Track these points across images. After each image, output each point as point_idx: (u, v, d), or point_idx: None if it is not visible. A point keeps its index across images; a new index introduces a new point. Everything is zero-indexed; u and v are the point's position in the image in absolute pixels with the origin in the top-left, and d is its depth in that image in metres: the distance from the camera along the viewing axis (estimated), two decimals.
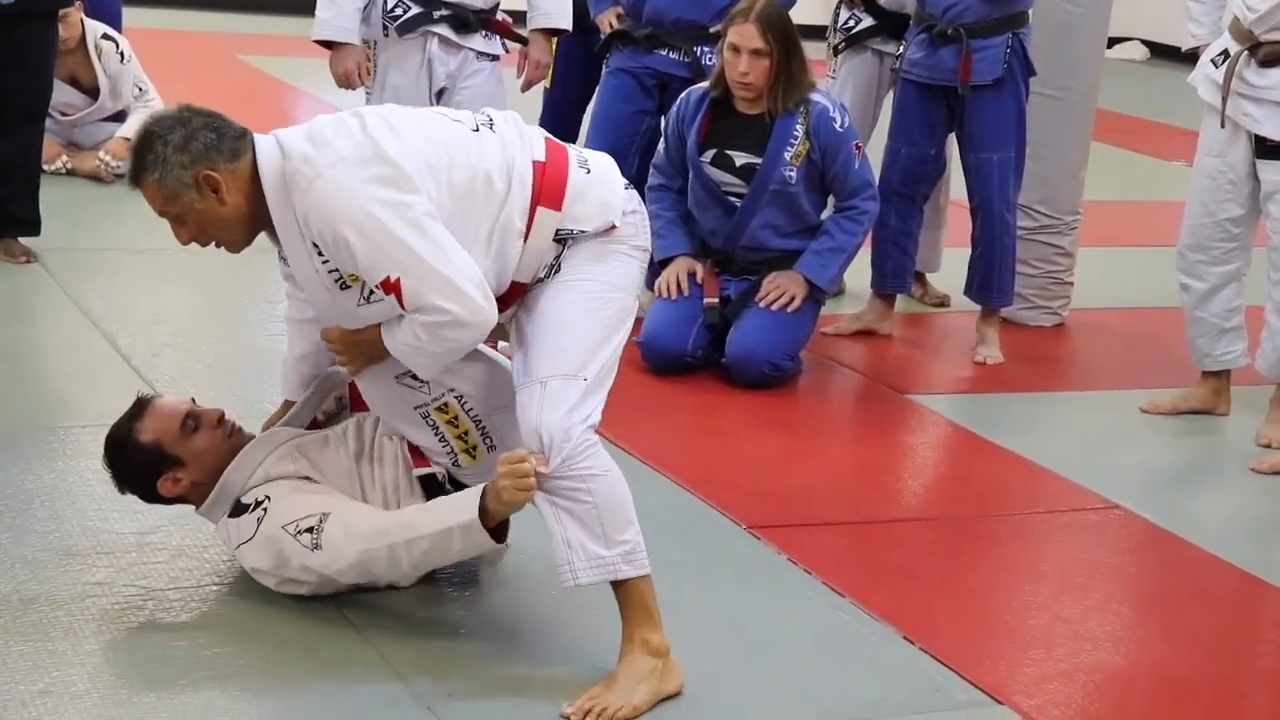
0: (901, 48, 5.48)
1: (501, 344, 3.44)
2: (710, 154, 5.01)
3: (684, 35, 5.50)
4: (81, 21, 6.72)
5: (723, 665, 3.21)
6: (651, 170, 5.21)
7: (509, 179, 3.09)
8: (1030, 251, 5.76)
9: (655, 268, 4.93)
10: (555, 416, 3.00)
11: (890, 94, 5.73)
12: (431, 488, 3.33)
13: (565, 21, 5.35)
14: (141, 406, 3.35)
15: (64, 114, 6.75)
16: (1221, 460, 4.83)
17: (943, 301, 6.01)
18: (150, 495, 3.36)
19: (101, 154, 6.76)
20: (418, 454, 3.33)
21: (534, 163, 3.13)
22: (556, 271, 3.14)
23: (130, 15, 7.74)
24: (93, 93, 6.84)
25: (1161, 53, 13.71)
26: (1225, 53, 4.69)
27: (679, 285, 5.04)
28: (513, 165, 3.10)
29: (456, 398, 3.24)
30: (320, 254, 3.01)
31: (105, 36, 6.83)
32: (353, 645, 3.17)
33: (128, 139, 6.68)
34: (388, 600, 3.30)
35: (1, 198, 5.55)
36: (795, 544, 3.82)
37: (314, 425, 3.49)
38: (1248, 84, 4.64)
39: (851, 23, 5.79)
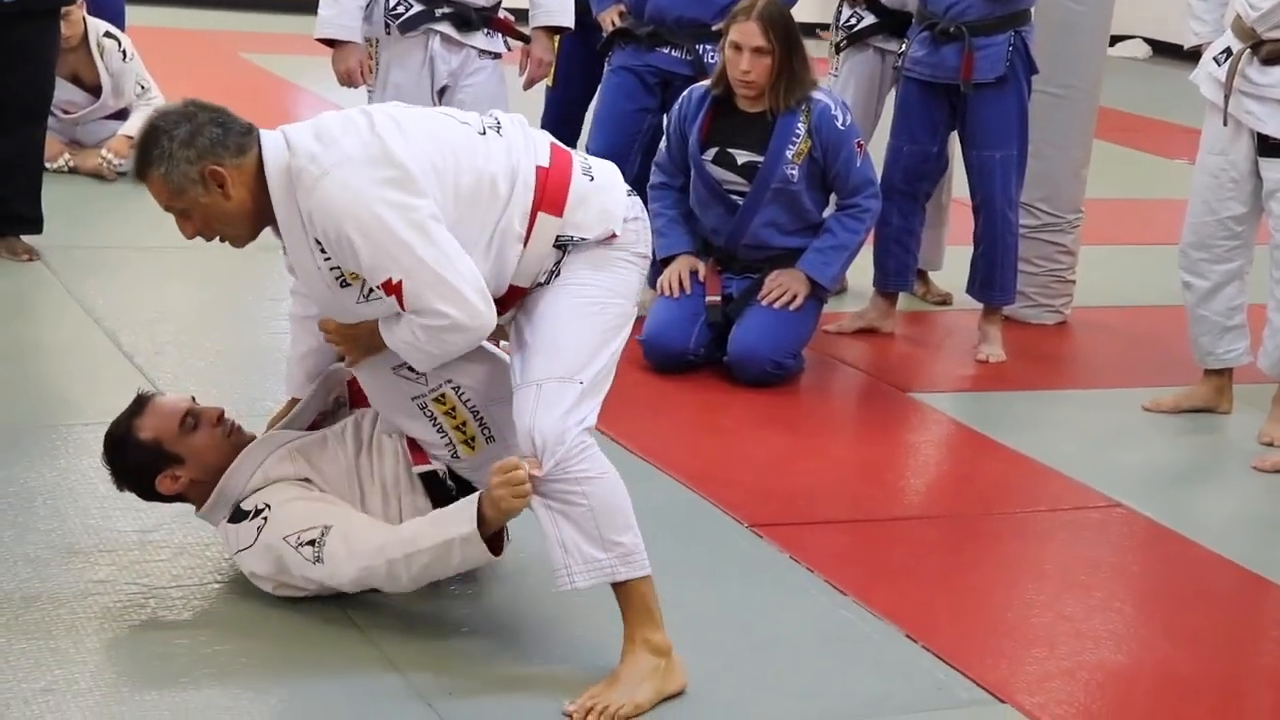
0: (903, 46, 5.48)
1: (504, 342, 3.44)
2: (712, 152, 5.01)
3: (686, 33, 5.50)
4: (84, 20, 6.72)
5: (725, 663, 3.21)
6: (653, 168, 5.21)
7: (512, 183, 3.09)
8: (1032, 249, 5.75)
9: (657, 266, 4.93)
10: (550, 419, 3.00)
11: (892, 92, 5.72)
12: (432, 486, 3.33)
13: (567, 19, 5.35)
14: (141, 404, 3.35)
15: (66, 112, 6.75)
16: (1224, 458, 4.82)
17: (945, 300, 6.01)
18: (149, 493, 3.36)
19: (104, 152, 6.76)
20: (417, 451, 3.33)
21: (537, 168, 3.12)
22: (556, 276, 3.14)
23: (133, 13, 7.74)
24: (95, 91, 6.84)
25: (1164, 50, 13.71)
26: (1228, 50, 4.69)
27: (681, 283, 5.04)
28: (517, 170, 3.10)
29: (454, 389, 3.24)
30: (323, 251, 3.02)
31: (107, 34, 6.84)
32: (354, 643, 3.18)
33: (130, 137, 6.69)
34: (390, 598, 3.30)
35: (4, 196, 5.55)
36: (797, 542, 3.82)
37: (314, 423, 3.49)
38: (1250, 82, 4.63)
39: (853, 20, 5.79)
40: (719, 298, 5.05)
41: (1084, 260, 5.99)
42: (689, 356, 4.98)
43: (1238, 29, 4.68)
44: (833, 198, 5.12)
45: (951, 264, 5.97)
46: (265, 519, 3.22)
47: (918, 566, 3.84)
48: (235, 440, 3.35)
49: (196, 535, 3.52)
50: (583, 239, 3.14)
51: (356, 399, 3.50)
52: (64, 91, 6.52)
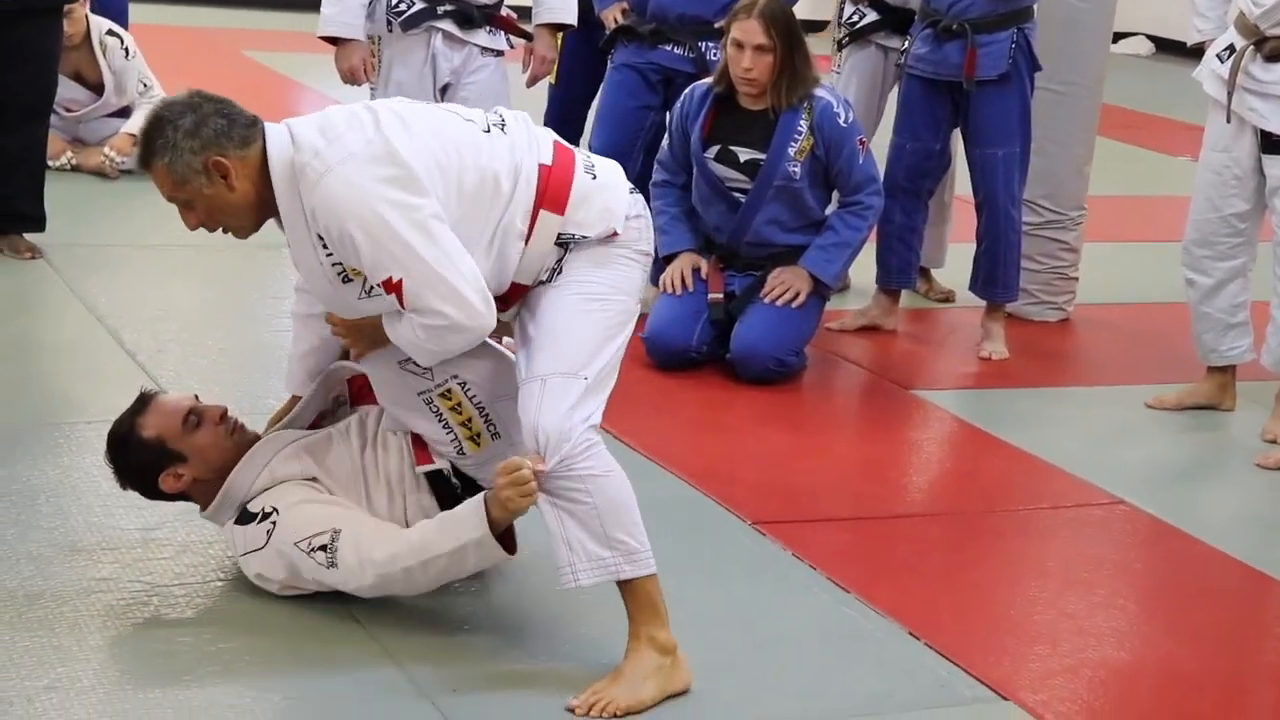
0: (906, 43, 5.48)
1: (507, 339, 3.44)
2: (714, 150, 5.01)
3: (688, 30, 5.50)
4: (86, 18, 6.73)
5: (727, 661, 3.21)
6: (655, 166, 5.21)
7: (515, 181, 3.09)
8: (1035, 247, 5.75)
9: (659, 263, 4.93)
10: (554, 415, 3.00)
11: (895, 89, 5.72)
12: (437, 484, 3.33)
13: (570, 17, 5.35)
14: (144, 402, 3.35)
15: (69, 110, 6.75)
16: (1227, 456, 4.82)
17: (948, 297, 6.01)
18: (151, 491, 3.36)
19: (106, 150, 6.77)
20: (421, 449, 3.33)
21: (540, 166, 3.12)
22: (559, 274, 3.14)
23: (136, 11, 7.74)
24: (97, 89, 6.85)
25: (1167, 47, 13.70)
26: (1231, 47, 4.69)
27: (683, 281, 5.04)
28: (519, 167, 3.10)
29: (460, 384, 3.24)
30: (325, 246, 3.02)
31: (110, 32, 6.84)
32: (358, 640, 3.18)
33: (133, 135, 6.69)
34: (392, 596, 3.30)
35: (6, 194, 5.55)
36: (800, 540, 3.82)
37: (315, 422, 3.49)
38: (1253, 79, 4.63)
39: (856, 18, 5.79)
40: (721, 295, 5.05)
41: (1087, 257, 5.98)
42: (691, 354, 4.98)
43: (1241, 26, 4.67)
44: (835, 195, 5.12)
45: (954, 261, 5.97)
46: (275, 522, 3.22)
47: (920, 564, 3.84)
48: (238, 439, 3.35)
49: (199, 533, 3.52)
50: (584, 237, 3.14)
51: (357, 398, 3.50)
52: (67, 89, 6.52)
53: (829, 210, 5.11)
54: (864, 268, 5.58)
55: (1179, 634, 3.59)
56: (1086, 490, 4.33)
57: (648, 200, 3.68)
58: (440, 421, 3.27)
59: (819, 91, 4.96)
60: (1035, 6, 5.32)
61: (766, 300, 4.98)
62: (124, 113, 6.91)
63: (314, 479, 3.31)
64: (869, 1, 5.75)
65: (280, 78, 9.79)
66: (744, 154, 4.98)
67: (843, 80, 5.83)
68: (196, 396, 3.39)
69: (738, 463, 4.30)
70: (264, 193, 3.03)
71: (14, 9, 5.35)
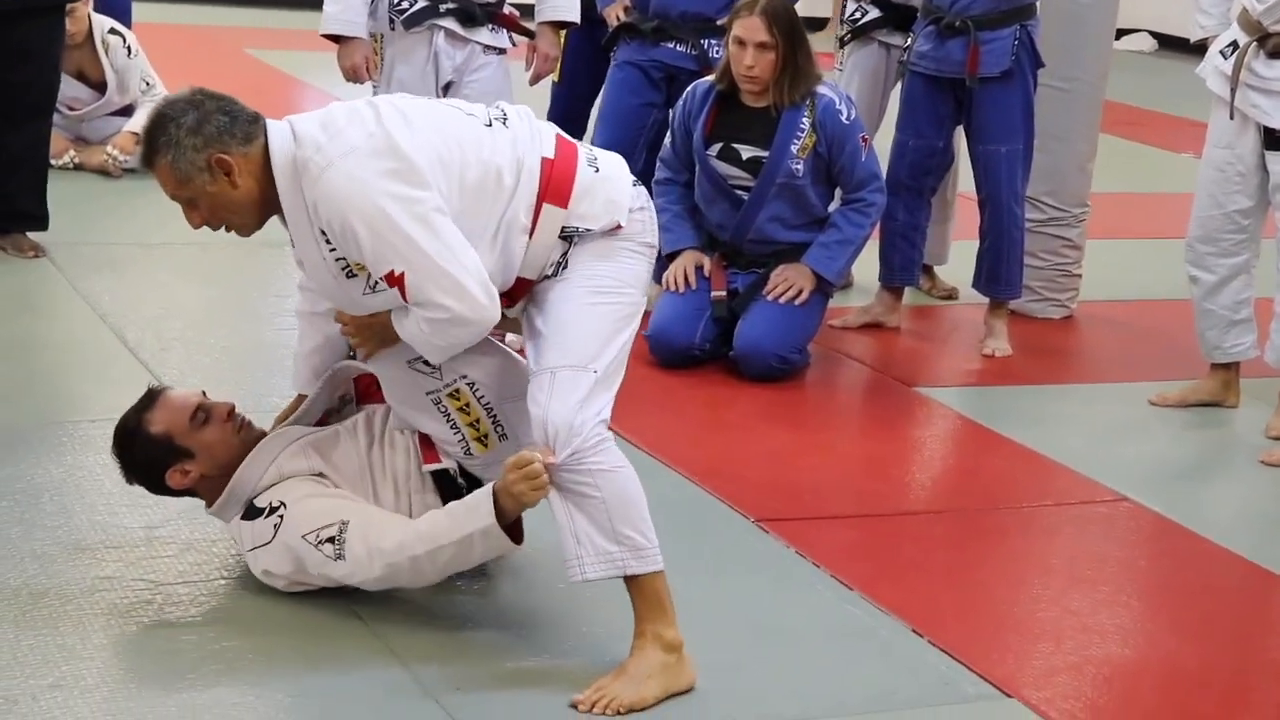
0: (908, 40, 5.47)
1: (510, 337, 3.44)
2: (717, 147, 5.01)
3: (691, 28, 5.50)
4: (89, 16, 6.73)
5: (731, 658, 3.21)
6: (658, 164, 5.21)
7: (517, 175, 3.09)
8: (1038, 244, 5.75)
9: (662, 261, 4.93)
10: (564, 408, 3.00)
11: (897, 86, 5.72)
12: (443, 484, 3.33)
13: (573, 15, 5.35)
14: (152, 398, 3.35)
15: (71, 109, 6.76)
16: (1231, 453, 4.82)
17: (950, 294, 6.01)
18: (158, 487, 3.36)
19: (109, 148, 6.77)
20: (428, 449, 3.33)
21: (542, 159, 3.13)
22: (564, 268, 3.14)
23: (138, 9, 7.75)
24: (100, 87, 6.85)
25: (1170, 44, 13.69)
26: (1234, 44, 4.69)
27: (686, 279, 5.04)
28: (522, 161, 3.10)
29: (468, 384, 3.24)
30: (328, 242, 3.02)
31: (112, 31, 6.84)
32: (361, 638, 3.18)
33: (135, 133, 6.69)
34: (397, 593, 3.30)
35: (9, 192, 5.55)
36: (804, 537, 3.82)
37: (321, 421, 3.49)
38: (1257, 75, 4.63)
39: (858, 14, 5.79)
40: (724, 293, 5.05)
41: (1090, 254, 5.98)
42: (694, 352, 4.98)
43: (1244, 22, 4.67)
44: (838, 192, 5.12)
45: (957, 258, 5.96)
46: (282, 517, 3.22)
47: (924, 561, 3.84)
48: (245, 436, 3.35)
49: (203, 531, 3.52)
50: (588, 230, 3.14)
51: (363, 396, 3.50)
52: (69, 88, 6.52)
53: (831, 208, 5.11)
54: (867, 265, 5.58)
55: (1183, 631, 3.58)
56: (1090, 487, 4.33)
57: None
58: (448, 422, 3.27)
59: (821, 89, 4.96)
60: (1038, 3, 5.32)
61: (769, 298, 4.98)
62: (127, 111, 6.92)
63: (321, 474, 3.31)
64: None
65: (283, 76, 9.79)
66: (746, 151, 4.98)
67: (845, 77, 5.83)
68: (204, 393, 3.39)
69: (741, 460, 4.30)
70: (267, 189, 3.04)
71: (16, 8, 5.35)
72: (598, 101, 5.91)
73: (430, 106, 3.17)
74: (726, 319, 5.01)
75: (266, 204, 3.07)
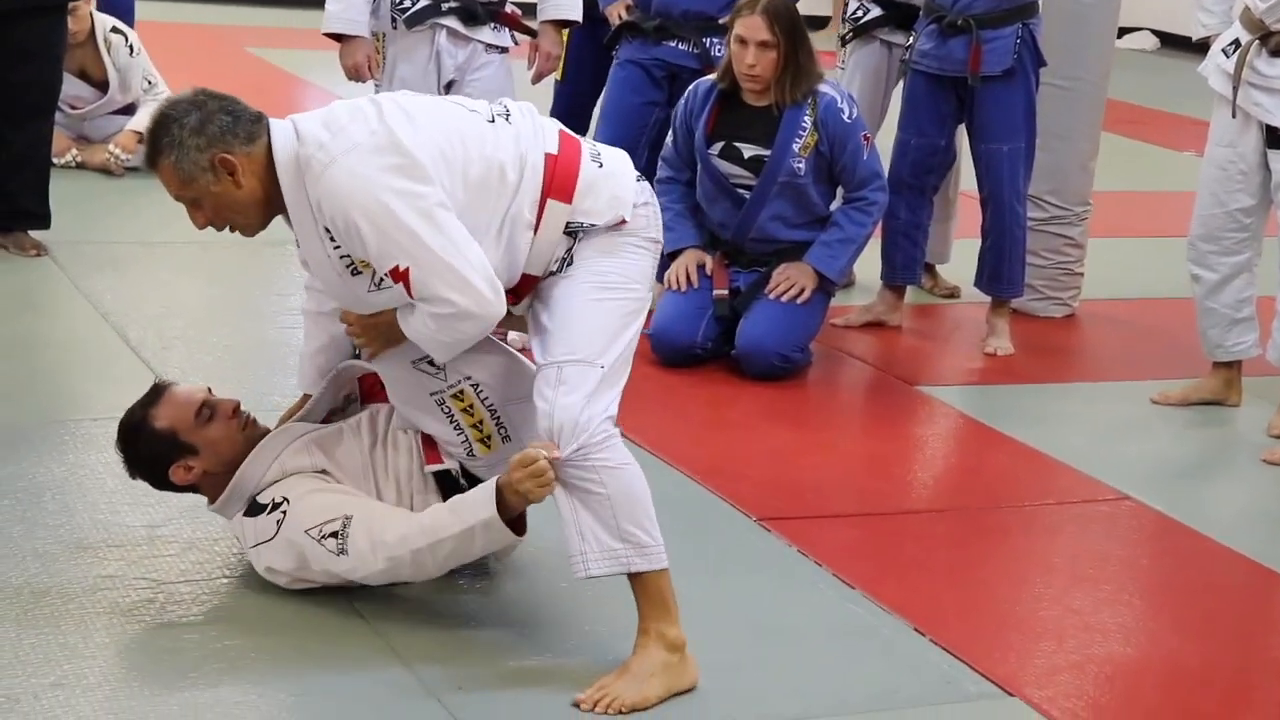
0: (910, 38, 5.47)
1: (511, 335, 3.44)
2: (718, 146, 5.01)
3: (693, 26, 5.50)
4: (91, 15, 6.73)
5: (733, 657, 3.21)
6: (659, 163, 5.21)
7: (521, 171, 3.09)
8: (1040, 242, 5.75)
9: (664, 260, 4.92)
10: (570, 403, 3.00)
11: (899, 85, 5.72)
12: (446, 484, 3.32)
13: (575, 13, 5.35)
14: (157, 393, 3.35)
15: (73, 107, 6.76)
16: (1233, 451, 4.82)
17: (953, 293, 6.01)
18: (161, 482, 3.36)
19: (111, 147, 6.77)
20: (431, 448, 3.33)
21: (546, 155, 3.13)
22: (569, 264, 3.14)
23: (140, 8, 7.75)
24: (102, 86, 6.85)
25: (1172, 42, 13.69)
26: (1236, 42, 4.68)
27: (688, 277, 5.04)
28: (525, 157, 3.10)
29: (473, 386, 3.24)
30: (332, 239, 3.02)
31: (114, 30, 6.85)
32: (363, 637, 3.18)
33: (137, 132, 6.70)
34: (399, 591, 3.30)
35: (11, 191, 5.56)
36: (805, 536, 3.82)
37: (325, 420, 3.49)
38: (1259, 74, 4.63)
39: (860, 13, 5.79)
40: (726, 291, 5.05)
41: (1092, 253, 5.98)
42: (696, 350, 4.98)
43: (1246, 20, 4.67)
44: (839, 191, 5.12)
45: (959, 257, 5.96)
46: (285, 512, 3.22)
47: (926, 560, 3.84)
48: (250, 433, 3.35)
49: (205, 530, 3.52)
50: (593, 225, 3.14)
51: (368, 396, 3.50)
52: (71, 87, 6.52)
53: (833, 206, 5.11)
54: (869, 263, 5.57)
55: (1185, 630, 3.58)
56: (1092, 486, 4.33)
57: None
58: (452, 422, 3.27)
59: (823, 87, 4.95)
60: (1040, 1, 5.31)
61: (771, 296, 4.97)
62: (129, 110, 6.92)
63: (324, 471, 3.32)
64: None
65: (284, 75, 9.79)
66: (748, 150, 4.98)
67: (847, 76, 5.83)
68: (210, 389, 3.39)
69: (743, 459, 4.30)
70: (270, 189, 3.04)
71: (18, 7, 5.35)
72: (600, 100, 5.91)
73: (433, 103, 3.18)
74: (728, 318, 5.01)
75: (270, 203, 3.07)
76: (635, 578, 3.05)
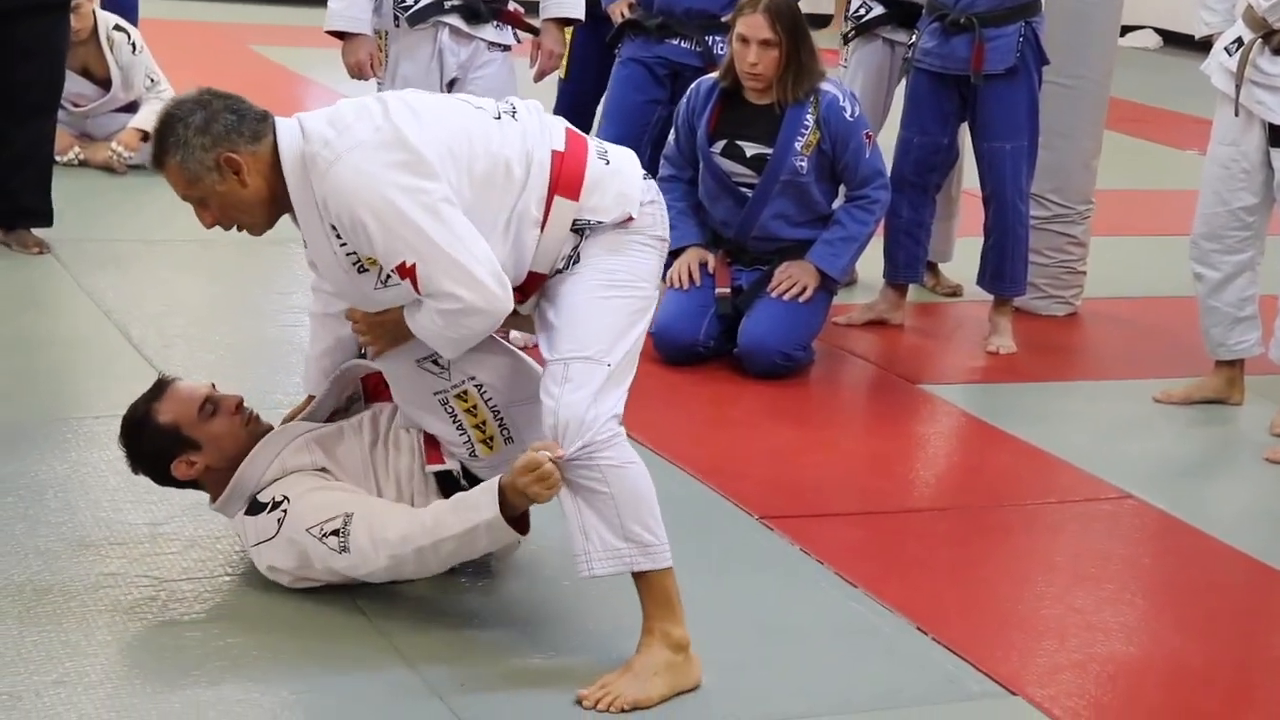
0: (913, 36, 5.47)
1: (514, 334, 3.44)
2: (720, 144, 5.00)
3: (695, 25, 5.50)
4: (94, 13, 6.73)
5: (735, 656, 3.21)
6: (662, 161, 5.20)
7: (528, 168, 3.09)
8: (1043, 241, 5.75)
9: (666, 259, 4.92)
10: (576, 400, 3.00)
11: (902, 83, 5.71)
12: (447, 485, 3.32)
13: (577, 11, 5.35)
14: (161, 388, 3.35)
15: (76, 105, 6.76)
16: (1235, 450, 4.82)
17: (955, 291, 6.00)
18: (163, 477, 3.36)
19: (114, 145, 6.77)
20: (433, 449, 3.32)
21: (553, 152, 3.13)
22: (575, 262, 3.14)
23: (144, 6, 7.74)
24: (105, 84, 6.85)
25: (1175, 41, 13.68)
26: (1239, 40, 4.68)
27: (690, 276, 5.03)
28: (532, 154, 3.10)
29: (476, 386, 3.24)
30: (338, 237, 3.02)
31: (117, 28, 6.85)
32: (366, 635, 3.18)
33: (140, 130, 6.71)
34: (402, 589, 3.30)
35: (14, 189, 5.56)
36: (808, 534, 3.82)
37: (330, 420, 3.49)
38: (1262, 72, 4.62)
39: (862, 11, 5.78)
40: (728, 290, 5.05)
41: (1094, 251, 5.98)
42: (699, 348, 4.98)
43: (1249, 19, 4.67)
44: (842, 189, 5.12)
45: (962, 255, 5.96)
46: (285, 511, 3.22)
47: (928, 559, 3.84)
48: (253, 429, 3.35)
49: (207, 528, 3.52)
50: (599, 223, 3.14)
51: (372, 395, 3.50)
52: (74, 84, 6.53)
53: (836, 205, 5.11)
54: (871, 262, 5.57)
55: (1187, 629, 3.58)
56: (1094, 485, 4.33)
57: None
58: (454, 423, 3.26)
59: (825, 85, 4.95)
60: (1043, 0, 5.31)
61: (774, 295, 4.97)
62: (131, 108, 6.92)
63: (324, 470, 3.32)
64: None
65: (287, 73, 9.80)
66: (750, 149, 4.98)
67: (849, 74, 5.82)
68: (213, 385, 3.39)
69: (745, 457, 4.30)
70: (276, 187, 3.04)
71: (21, 5, 5.35)
72: (603, 98, 5.90)
73: (439, 100, 3.18)
74: (731, 316, 5.01)
75: (276, 202, 3.07)
76: (640, 577, 3.05)
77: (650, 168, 5.25)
